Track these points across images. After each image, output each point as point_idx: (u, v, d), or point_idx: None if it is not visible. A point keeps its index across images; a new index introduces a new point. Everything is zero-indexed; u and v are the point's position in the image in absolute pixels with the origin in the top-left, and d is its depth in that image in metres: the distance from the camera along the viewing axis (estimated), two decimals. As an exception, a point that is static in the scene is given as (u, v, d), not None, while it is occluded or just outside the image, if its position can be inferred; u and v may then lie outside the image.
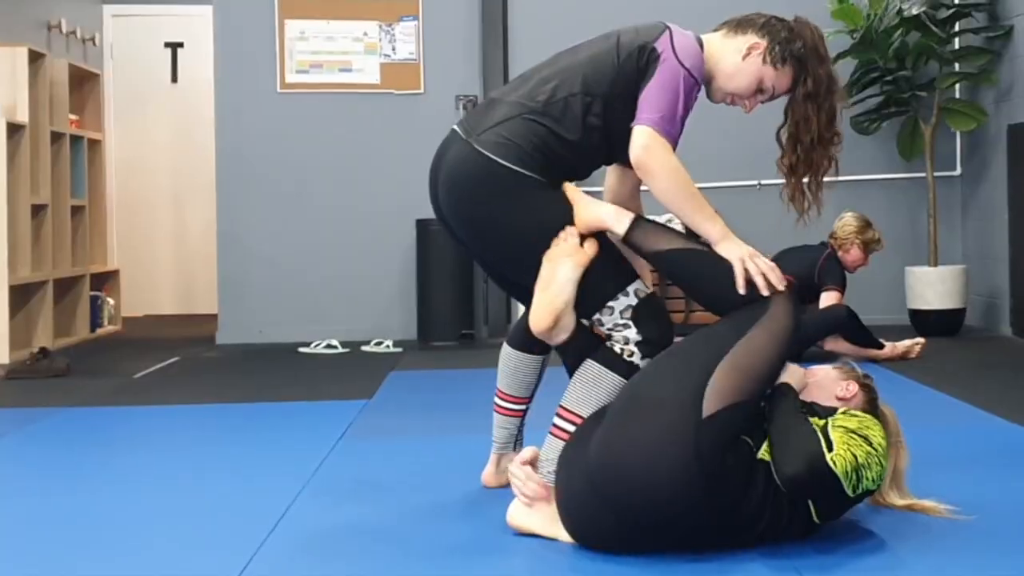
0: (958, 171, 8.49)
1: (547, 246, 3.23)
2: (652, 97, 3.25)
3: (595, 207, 3.32)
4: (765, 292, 3.16)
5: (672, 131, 3.25)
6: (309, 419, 5.09)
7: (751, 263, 3.21)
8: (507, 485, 3.50)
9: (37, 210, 8.07)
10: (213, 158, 8.63)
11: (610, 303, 3.22)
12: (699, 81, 3.33)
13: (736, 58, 3.41)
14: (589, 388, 3.20)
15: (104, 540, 3.23)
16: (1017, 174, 7.61)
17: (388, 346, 7.73)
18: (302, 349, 7.81)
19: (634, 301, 3.22)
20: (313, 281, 8.40)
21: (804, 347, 6.55)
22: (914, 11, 7.60)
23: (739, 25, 3.45)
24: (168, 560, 3.02)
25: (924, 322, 7.77)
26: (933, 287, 7.78)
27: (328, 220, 8.50)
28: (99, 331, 8.97)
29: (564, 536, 3.08)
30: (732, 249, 3.26)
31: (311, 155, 8.50)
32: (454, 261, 8.05)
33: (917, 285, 7.86)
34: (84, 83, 9.22)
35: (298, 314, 8.38)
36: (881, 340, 6.60)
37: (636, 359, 3.19)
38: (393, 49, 8.51)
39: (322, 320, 8.28)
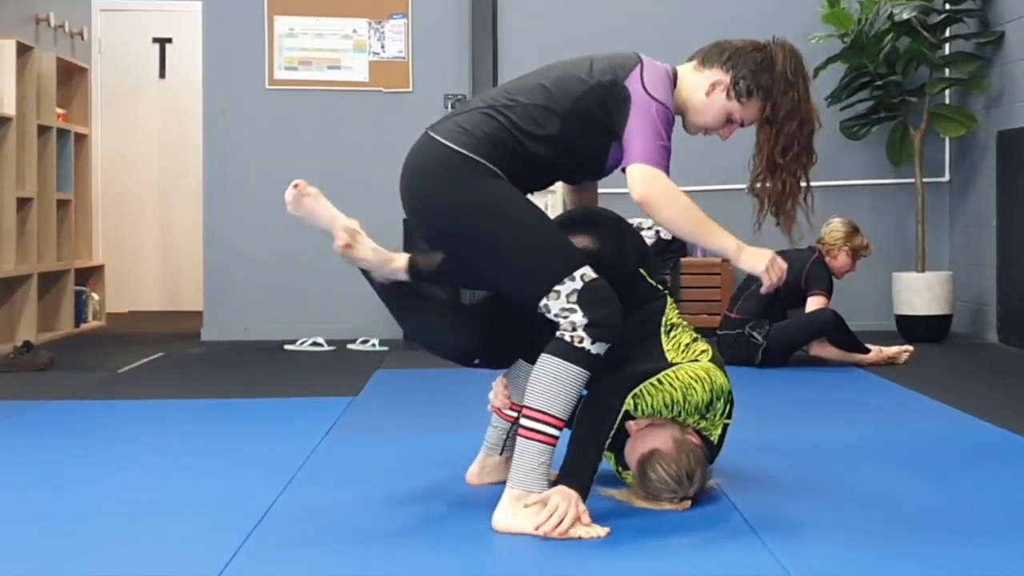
0: (947, 177, 8.49)
1: (501, 230, 3.23)
2: (634, 136, 3.27)
3: None
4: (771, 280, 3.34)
5: (662, 162, 3.27)
6: (295, 415, 5.06)
7: (774, 269, 3.34)
8: (491, 484, 3.56)
9: (22, 203, 8.03)
10: (200, 154, 8.60)
11: (556, 287, 3.20)
12: (672, 112, 3.35)
13: (701, 95, 3.45)
14: (550, 383, 3.16)
15: (86, 533, 3.20)
16: (1006, 181, 7.61)
17: (374, 344, 7.70)
18: (288, 347, 7.78)
19: (579, 285, 3.19)
20: (299, 279, 8.37)
21: (790, 351, 6.56)
22: (905, 16, 7.60)
23: (706, 59, 3.48)
24: (151, 554, 3.00)
25: (911, 328, 7.77)
26: (920, 293, 7.78)
27: (315, 218, 8.46)
28: (83, 326, 8.94)
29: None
30: (752, 260, 3.34)
31: (299, 152, 8.48)
32: (441, 260, 8.03)
33: (904, 291, 7.86)
34: (72, 77, 9.18)
35: (284, 311, 8.35)
36: (867, 345, 6.59)
37: (587, 344, 3.16)
38: (382, 47, 8.49)
39: (308, 318, 8.26)
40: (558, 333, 3.19)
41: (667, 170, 3.28)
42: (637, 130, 3.27)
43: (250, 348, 7.76)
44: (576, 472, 3.20)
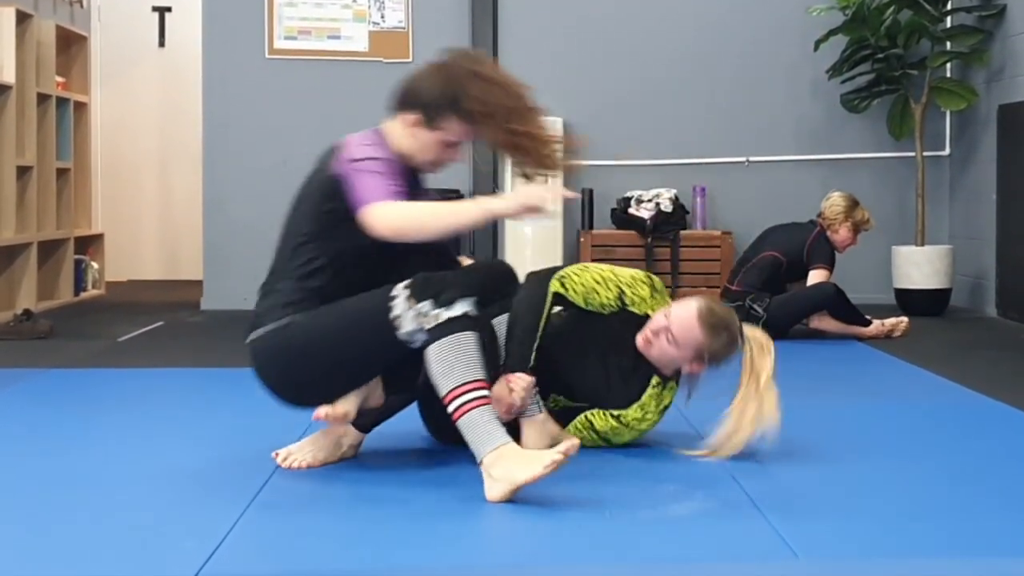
0: (947, 151, 8.48)
1: (323, 344, 3.33)
2: (354, 193, 3.36)
3: None
4: (548, 205, 3.30)
5: (382, 195, 3.31)
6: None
7: (527, 197, 3.28)
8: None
9: (22, 172, 8.02)
10: (200, 123, 8.58)
11: (392, 316, 3.22)
12: (387, 157, 3.43)
13: (409, 140, 3.51)
14: (445, 363, 3.17)
15: (84, 501, 3.21)
16: (1006, 154, 7.60)
17: (373, 315, 7.69)
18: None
19: (402, 292, 3.23)
20: (299, 249, 8.34)
21: (790, 324, 6.56)
22: (907, -12, 7.59)
23: (393, 108, 3.59)
24: (152, 521, 3.00)
25: (909, 301, 7.78)
26: (919, 267, 7.79)
27: (315, 188, 8.46)
28: (83, 295, 8.94)
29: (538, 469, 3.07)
30: (503, 203, 3.34)
31: (298, 122, 8.46)
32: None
33: (903, 264, 7.86)
34: (71, 45, 9.15)
35: (283, 281, 8.33)
36: (868, 317, 6.60)
37: (447, 313, 3.18)
38: (382, 17, 8.46)
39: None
40: (426, 329, 3.21)
41: (395, 196, 3.32)
42: (351, 188, 3.37)
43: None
44: (517, 358, 3.50)
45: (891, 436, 4.06)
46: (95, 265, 9.24)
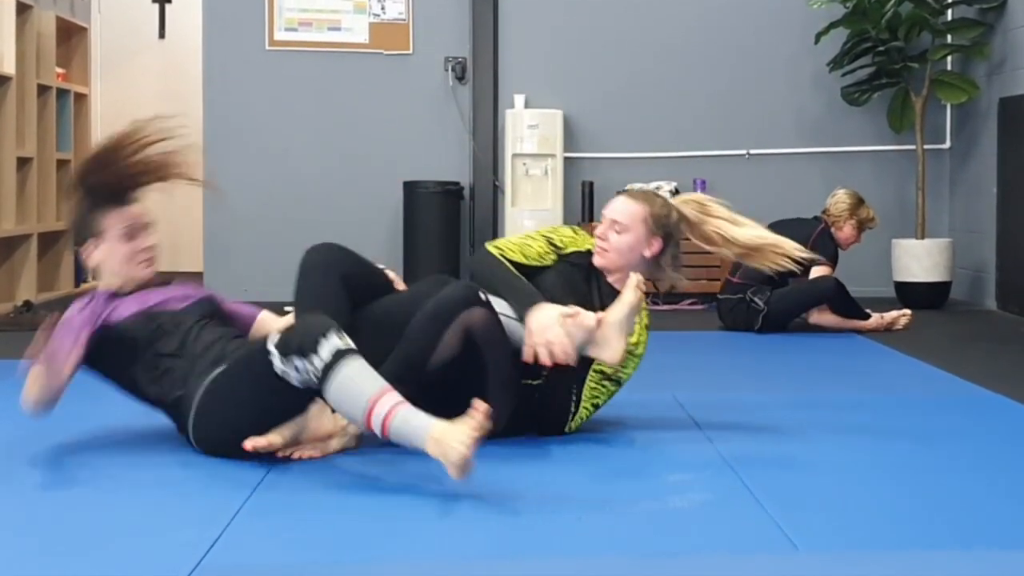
0: (947, 144, 8.49)
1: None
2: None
3: None
4: None
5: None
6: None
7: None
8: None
9: (22, 163, 8.02)
10: (200, 115, 8.57)
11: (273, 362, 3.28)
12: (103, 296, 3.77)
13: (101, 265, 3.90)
14: (347, 394, 3.20)
15: (83, 491, 3.21)
16: (1007, 148, 7.60)
17: (373, 307, 7.70)
18: (288, 308, 7.76)
19: (276, 352, 3.28)
20: (299, 241, 8.23)
21: (791, 318, 6.56)
22: (908, -19, 7.58)
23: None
24: (152, 511, 3.00)
25: (910, 294, 7.78)
26: (919, 260, 7.79)
27: (315, 180, 8.47)
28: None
29: None
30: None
31: (298, 114, 8.46)
32: (441, 222, 8.05)
33: (903, 257, 7.86)
34: (71, 36, 9.14)
35: (284, 273, 8.23)
36: (867, 310, 6.60)
37: (318, 363, 3.20)
38: (383, 8, 8.46)
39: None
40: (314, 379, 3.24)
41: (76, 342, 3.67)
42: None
43: (250, 309, 7.75)
44: (524, 296, 3.61)
45: (890, 429, 4.06)
46: (95, 257, 9.22)
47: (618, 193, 4.08)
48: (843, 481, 3.35)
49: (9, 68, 7.73)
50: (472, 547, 2.73)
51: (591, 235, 3.95)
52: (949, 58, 8.19)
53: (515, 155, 8.22)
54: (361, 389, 3.20)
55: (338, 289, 3.71)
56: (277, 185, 8.46)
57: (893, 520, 2.94)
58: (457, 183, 8.27)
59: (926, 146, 8.03)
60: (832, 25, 7.87)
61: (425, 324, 3.50)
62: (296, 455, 3.49)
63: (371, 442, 3.72)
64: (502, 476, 3.29)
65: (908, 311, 6.74)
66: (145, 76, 10.56)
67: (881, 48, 7.91)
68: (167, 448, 3.69)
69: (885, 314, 6.62)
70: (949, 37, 8.04)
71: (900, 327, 6.60)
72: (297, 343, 3.24)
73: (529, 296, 3.62)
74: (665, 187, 8.08)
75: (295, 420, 3.47)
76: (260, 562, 2.64)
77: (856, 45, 7.99)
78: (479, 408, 3.06)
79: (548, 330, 3.51)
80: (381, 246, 8.27)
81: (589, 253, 3.88)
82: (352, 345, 3.26)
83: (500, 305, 3.64)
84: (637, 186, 3.83)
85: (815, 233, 6.64)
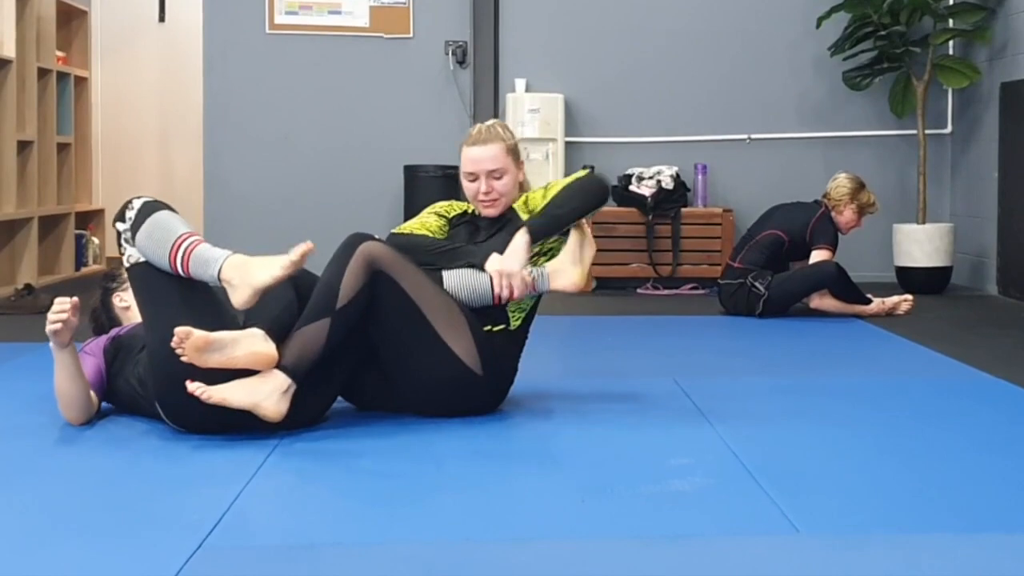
0: (949, 129, 8.48)
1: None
2: None
3: None
4: None
5: None
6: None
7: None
8: None
9: (23, 146, 8.01)
10: (200, 99, 8.58)
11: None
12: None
13: None
14: (155, 239, 3.53)
15: (87, 474, 3.22)
16: (1008, 133, 7.60)
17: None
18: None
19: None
20: (299, 225, 8.35)
21: (791, 302, 6.56)
22: (910, -34, 7.56)
23: None
24: (156, 492, 3.01)
25: (911, 279, 7.78)
26: (920, 245, 7.79)
27: (315, 164, 8.47)
28: (84, 270, 8.94)
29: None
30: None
31: (299, 97, 8.46)
32: (442, 207, 8.04)
33: (904, 242, 7.86)
34: (71, 20, 9.13)
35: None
36: (868, 295, 6.60)
37: (129, 215, 3.62)
38: (384, -8, 8.45)
39: (308, 264, 8.21)
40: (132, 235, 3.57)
41: None
42: None
43: (250, 293, 7.75)
44: (475, 252, 3.90)
45: (891, 412, 4.06)
46: (96, 240, 9.24)
47: (468, 144, 4.19)
48: (844, 464, 3.35)
49: (9, 51, 7.72)
50: (474, 530, 2.73)
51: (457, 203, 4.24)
52: (951, 43, 8.19)
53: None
54: (162, 234, 3.46)
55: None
56: (277, 169, 8.46)
57: (893, 503, 2.94)
58: (458, 167, 8.26)
59: (927, 131, 8.02)
60: (833, 9, 7.86)
61: (329, 265, 3.74)
62: (228, 402, 3.45)
63: (373, 424, 3.72)
64: (503, 459, 3.30)
65: (909, 296, 6.73)
66: (145, 59, 10.54)
67: (883, 32, 7.90)
68: (167, 436, 3.70)
69: (886, 299, 6.61)
70: (951, 22, 8.03)
71: (901, 312, 6.60)
72: (119, 215, 3.61)
73: (472, 250, 3.89)
74: (666, 171, 8.08)
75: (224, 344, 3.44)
76: (262, 543, 2.65)
77: (857, 29, 7.98)
78: (298, 249, 3.38)
79: (509, 268, 3.78)
80: (381, 230, 8.24)
81: (466, 212, 4.18)
82: (166, 203, 3.61)
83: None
84: (495, 124, 3.91)
85: (815, 217, 6.64)
